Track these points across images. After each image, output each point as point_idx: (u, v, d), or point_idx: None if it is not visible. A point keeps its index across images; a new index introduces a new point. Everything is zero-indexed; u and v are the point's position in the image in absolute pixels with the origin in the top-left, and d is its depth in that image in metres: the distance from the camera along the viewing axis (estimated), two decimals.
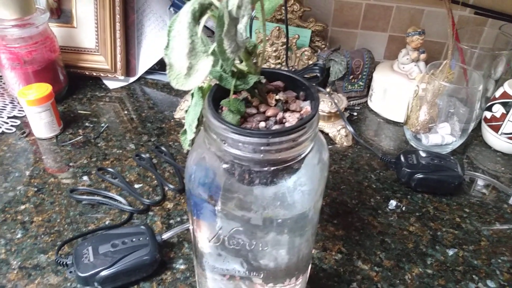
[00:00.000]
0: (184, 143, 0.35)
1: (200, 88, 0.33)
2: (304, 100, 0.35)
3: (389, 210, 0.57)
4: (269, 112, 0.32)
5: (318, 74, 0.67)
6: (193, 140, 0.34)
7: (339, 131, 0.68)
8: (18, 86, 0.70)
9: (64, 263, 0.46)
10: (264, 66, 0.75)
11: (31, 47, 0.67)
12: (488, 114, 0.67)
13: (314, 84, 0.67)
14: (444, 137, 0.65)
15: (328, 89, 0.68)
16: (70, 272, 0.46)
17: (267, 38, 0.72)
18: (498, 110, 0.65)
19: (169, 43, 0.25)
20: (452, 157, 0.60)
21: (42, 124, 0.65)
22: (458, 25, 0.66)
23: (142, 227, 0.49)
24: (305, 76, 0.70)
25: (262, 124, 0.32)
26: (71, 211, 0.55)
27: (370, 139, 0.70)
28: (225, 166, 0.32)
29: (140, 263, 0.45)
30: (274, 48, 0.73)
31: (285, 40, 0.70)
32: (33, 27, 0.67)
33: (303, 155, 0.32)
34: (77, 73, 0.78)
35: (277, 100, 0.34)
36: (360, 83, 0.75)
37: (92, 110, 0.74)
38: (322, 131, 0.70)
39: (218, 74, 0.30)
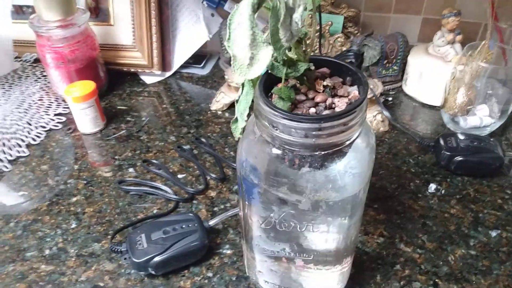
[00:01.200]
0: (235, 131, 0.37)
1: (251, 78, 0.34)
2: (351, 85, 0.36)
3: (429, 194, 0.57)
4: (318, 98, 0.33)
5: (353, 60, 0.67)
6: (244, 128, 0.36)
7: (375, 117, 0.68)
8: (62, 84, 0.74)
9: (119, 250, 0.49)
10: None
11: (74, 46, 0.70)
12: None
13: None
14: (483, 119, 0.64)
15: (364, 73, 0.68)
16: (125, 258, 0.49)
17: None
18: None
19: (231, 35, 0.27)
20: (492, 139, 0.60)
21: (87, 120, 0.69)
22: (496, 3, 0.64)
23: (190, 214, 0.51)
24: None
25: (313, 110, 0.33)
26: (120, 201, 0.58)
27: (406, 123, 0.70)
28: (276, 151, 0.34)
29: (190, 249, 0.47)
30: (308, 37, 0.73)
31: (318, 27, 0.70)
32: (75, 27, 0.70)
33: (352, 139, 0.33)
34: (116, 69, 0.81)
35: (325, 86, 0.35)
36: (395, 67, 0.75)
37: (132, 105, 0.77)
38: None
39: (270, 63, 0.31)
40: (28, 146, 0.68)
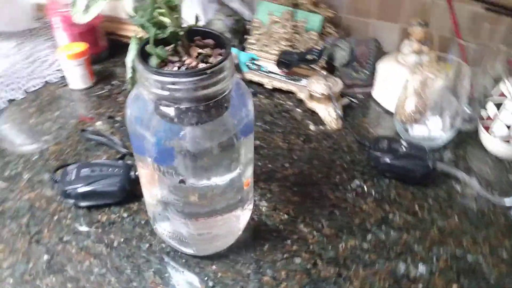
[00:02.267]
0: (128, 84, 0.43)
1: (137, 37, 0.40)
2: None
3: (350, 188, 0.60)
4: (187, 61, 0.39)
5: (316, 56, 0.71)
6: (132, 80, 0.42)
7: (329, 113, 0.71)
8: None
9: (54, 179, 0.57)
10: (275, 47, 0.80)
11: None
12: (483, 113, 0.65)
13: (311, 66, 0.70)
14: (431, 130, 0.65)
15: (324, 72, 0.72)
16: (58, 187, 0.57)
17: (277, 20, 0.77)
18: (491, 109, 0.63)
19: None
20: (427, 148, 0.61)
21: (77, 77, 0.78)
22: (463, 20, 0.65)
23: (120, 162, 0.58)
24: (306, 58, 0.74)
25: (175, 68, 0.38)
26: (79, 146, 0.67)
27: (362, 126, 0.72)
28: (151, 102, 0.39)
29: (107, 188, 0.54)
30: (285, 31, 0.77)
31: (295, 24, 0.75)
32: None
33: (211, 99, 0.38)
34: (117, 40, 0.90)
35: (199, 54, 0.40)
36: (366, 71, 0.77)
37: (121, 72, 0.86)
38: (314, 112, 0.74)
39: (140, 22, 0.37)
40: (26, 92, 0.79)
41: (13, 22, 0.87)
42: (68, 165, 0.61)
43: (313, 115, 0.74)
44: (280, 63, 0.78)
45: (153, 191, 0.47)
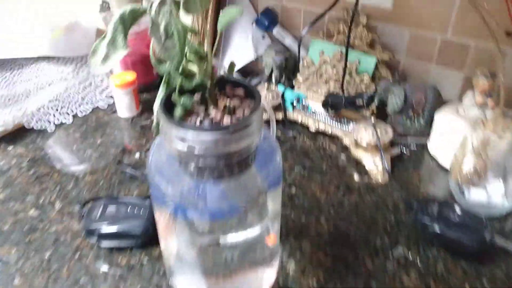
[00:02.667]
0: (154, 129, 0.41)
1: (165, 83, 0.38)
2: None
3: (392, 256, 0.53)
4: (212, 113, 0.36)
5: (365, 102, 0.66)
6: (157, 127, 0.40)
7: (376, 165, 0.65)
8: (119, 72, 0.86)
9: (81, 213, 0.56)
10: (325, 88, 0.76)
11: (132, 42, 0.82)
12: None
13: (361, 111, 0.66)
14: (491, 196, 0.57)
15: (372, 119, 0.66)
16: (84, 223, 0.56)
17: (328, 59, 0.73)
18: None
19: (103, 38, 0.32)
20: (484, 218, 0.53)
21: (124, 105, 0.79)
22: None
23: (147, 201, 0.56)
24: (356, 102, 0.69)
25: (198, 122, 0.35)
26: (114, 177, 0.66)
27: (411, 182, 0.65)
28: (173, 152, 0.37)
29: (130, 231, 0.52)
30: (335, 71, 0.73)
31: (347, 65, 0.70)
32: (137, 26, 0.81)
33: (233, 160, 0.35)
34: None
35: (226, 106, 0.37)
36: (421, 121, 0.70)
37: None
38: (360, 162, 0.68)
39: (167, 70, 0.35)
40: (74, 116, 0.81)
41: (77, 47, 0.90)
42: (97, 198, 0.61)
43: (358, 165, 0.68)
44: (326, 105, 0.74)
45: (169, 243, 0.44)
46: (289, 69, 0.83)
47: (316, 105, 0.77)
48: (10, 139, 0.75)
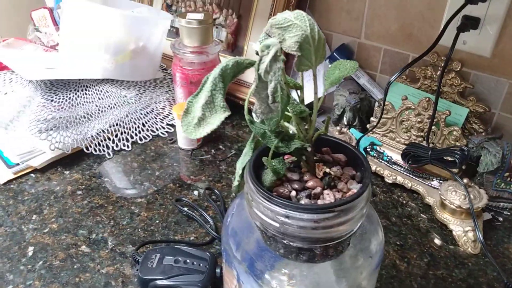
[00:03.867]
0: (234, 189, 0.36)
1: (254, 140, 0.33)
2: (359, 182, 0.31)
3: None
4: (309, 183, 0.30)
5: (457, 160, 0.58)
6: (238, 187, 0.35)
7: (466, 233, 0.57)
8: (182, 101, 0.83)
9: (136, 260, 0.52)
10: (404, 136, 0.68)
11: (199, 71, 0.79)
12: None
13: (451, 170, 0.58)
14: None
15: (465, 180, 0.58)
16: (137, 270, 0.51)
17: (413, 107, 0.66)
18: None
19: (199, 92, 0.27)
20: None
21: (184, 136, 0.75)
22: None
23: (208, 254, 0.51)
24: (443, 158, 0.61)
25: (293, 194, 0.29)
26: (170, 217, 0.62)
27: (508, 256, 0.56)
28: (257, 224, 0.31)
29: (189, 286, 0.47)
30: (419, 119, 0.66)
31: (434, 114, 0.63)
32: (205, 55, 0.78)
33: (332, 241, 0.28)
34: (234, 101, 0.86)
35: (325, 173, 0.31)
36: None
37: (230, 136, 0.81)
38: (446, 226, 0.59)
39: (261, 131, 0.30)
40: (134, 143, 0.78)
41: (142, 71, 0.88)
42: (153, 242, 0.56)
43: (443, 229, 0.60)
44: (407, 156, 0.66)
45: None
46: (363, 111, 0.76)
47: (393, 153, 0.70)
48: (67, 163, 0.73)
